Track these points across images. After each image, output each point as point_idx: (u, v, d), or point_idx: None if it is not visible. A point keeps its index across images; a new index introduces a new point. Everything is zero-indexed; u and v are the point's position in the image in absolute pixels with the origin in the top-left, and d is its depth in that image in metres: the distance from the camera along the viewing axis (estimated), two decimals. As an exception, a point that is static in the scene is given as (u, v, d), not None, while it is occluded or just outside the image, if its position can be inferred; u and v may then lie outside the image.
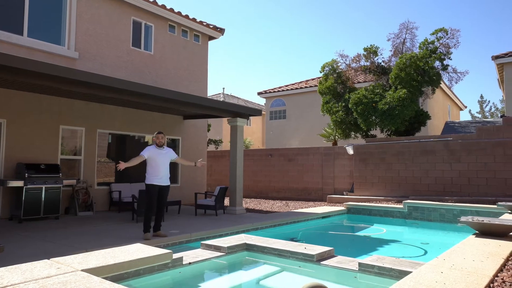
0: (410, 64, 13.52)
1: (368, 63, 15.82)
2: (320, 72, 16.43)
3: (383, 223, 9.98)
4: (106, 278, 3.68)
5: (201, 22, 13.47)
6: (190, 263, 4.76)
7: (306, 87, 21.38)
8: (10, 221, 8.47)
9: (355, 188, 13.68)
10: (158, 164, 6.72)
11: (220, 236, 7.15)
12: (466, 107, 28.00)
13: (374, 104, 13.87)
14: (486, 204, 10.24)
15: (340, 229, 9.51)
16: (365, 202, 12.24)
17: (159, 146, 6.86)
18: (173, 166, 11.96)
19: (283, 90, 22.30)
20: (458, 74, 14.47)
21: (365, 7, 62.55)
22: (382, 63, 15.81)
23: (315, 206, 12.27)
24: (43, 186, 8.66)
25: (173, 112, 12.11)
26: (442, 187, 11.94)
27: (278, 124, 22.57)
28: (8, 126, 9.00)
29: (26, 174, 8.48)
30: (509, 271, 3.90)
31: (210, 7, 69.32)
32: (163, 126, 12.40)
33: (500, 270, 3.95)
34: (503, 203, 9.03)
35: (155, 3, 11.89)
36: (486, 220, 5.86)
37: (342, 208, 11.43)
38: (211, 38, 14.29)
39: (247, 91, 75.54)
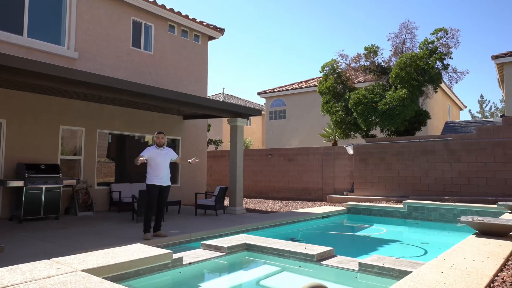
0: (410, 63, 13.52)
1: (368, 63, 15.82)
2: (320, 72, 16.43)
3: (383, 223, 9.98)
4: (106, 278, 3.68)
5: (201, 22, 13.47)
6: (190, 263, 4.76)
7: (306, 87, 21.38)
8: (10, 221, 8.47)
9: (355, 188, 13.68)
10: (159, 164, 6.72)
11: (220, 236, 7.15)
12: (466, 107, 28.00)
13: (374, 104, 13.87)
14: (486, 204, 10.24)
15: (340, 229, 9.51)
16: (365, 202, 12.24)
17: (160, 146, 6.86)
18: (173, 166, 11.96)
19: (283, 90, 22.30)
20: (458, 73, 14.48)
21: (365, 7, 62.58)
22: (382, 63, 15.81)
23: (315, 206, 12.27)
24: (43, 186, 8.65)
25: (173, 112, 12.11)
26: (442, 187, 11.94)
27: (278, 124, 22.57)
28: (8, 126, 9.00)
29: (26, 174, 8.48)
30: (509, 271, 3.90)
31: (210, 7, 69.35)
32: (163, 126, 12.40)
33: (500, 270, 3.95)
34: (503, 203, 9.03)
35: (155, 3, 11.89)
36: (486, 220, 5.86)
37: (342, 208, 11.43)
38: (211, 38, 14.29)
39: (247, 91, 75.59)
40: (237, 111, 10.27)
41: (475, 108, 65.47)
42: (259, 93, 23.42)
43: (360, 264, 4.53)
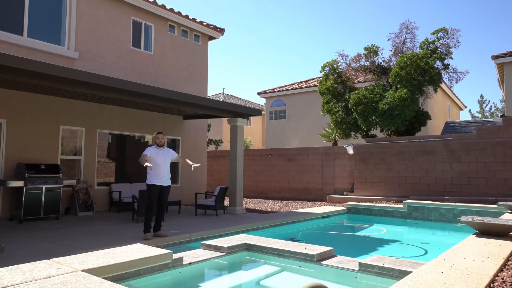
0: (410, 63, 13.52)
1: (368, 63, 15.82)
2: (320, 72, 16.43)
3: (383, 223, 9.98)
4: (106, 278, 3.68)
5: (201, 22, 13.47)
6: (190, 263, 4.76)
7: (306, 87, 21.38)
8: (10, 221, 8.47)
9: (355, 188, 13.68)
10: (159, 164, 6.72)
11: (220, 236, 7.15)
12: (466, 107, 28.00)
13: (374, 104, 13.87)
14: (486, 204, 10.24)
15: (340, 229, 9.50)
16: (365, 202, 12.24)
17: (159, 146, 6.86)
18: (173, 166, 11.97)
19: (283, 90, 22.30)
20: (458, 74, 14.47)
21: (365, 7, 62.58)
22: (383, 63, 15.81)
23: (315, 206, 12.27)
24: (43, 186, 8.65)
25: (173, 112, 12.11)
26: (442, 187, 11.94)
27: (278, 124, 22.57)
28: (8, 126, 9.00)
29: (26, 174, 8.48)
30: (509, 271, 3.90)
31: (210, 7, 69.35)
32: (163, 126, 12.40)
33: (501, 270, 3.95)
34: (503, 202, 9.03)
35: (155, 3, 11.89)
36: (486, 220, 5.86)
37: (342, 208, 11.43)
38: (211, 38, 14.29)
39: (247, 91, 75.58)
40: (237, 111, 10.27)
41: (475, 108, 65.44)
42: (259, 93, 23.42)
43: (360, 264, 4.53)
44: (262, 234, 7.50)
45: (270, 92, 22.84)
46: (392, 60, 15.56)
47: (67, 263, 3.78)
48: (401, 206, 10.86)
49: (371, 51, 15.53)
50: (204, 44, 14.04)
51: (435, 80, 13.69)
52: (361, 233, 8.78)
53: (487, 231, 5.74)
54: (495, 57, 15.70)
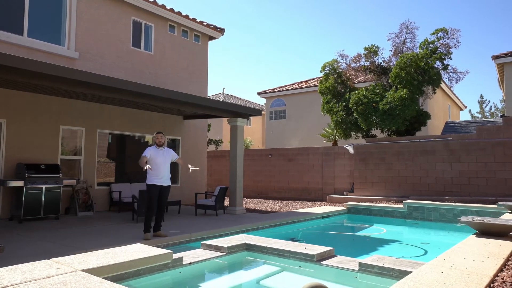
0: (410, 63, 13.52)
1: (368, 63, 15.82)
2: (320, 72, 16.43)
3: (383, 223, 9.98)
4: (106, 278, 3.68)
5: (201, 22, 13.47)
6: (190, 263, 4.76)
7: (306, 87, 21.38)
8: (10, 221, 8.47)
9: (355, 188, 13.68)
10: (159, 164, 6.71)
11: (220, 236, 7.15)
12: (466, 107, 28.00)
13: (374, 104, 13.87)
14: (486, 204, 10.24)
15: (340, 229, 9.50)
16: (365, 202, 12.24)
17: (159, 146, 6.86)
18: (173, 166, 11.95)
19: (283, 90, 22.30)
20: (458, 74, 14.47)
21: (365, 7, 62.58)
22: (383, 63, 15.81)
23: (315, 206, 12.27)
24: (43, 186, 8.65)
25: (173, 112, 12.11)
26: (442, 187, 11.93)
27: (278, 124, 22.56)
28: (8, 126, 9.00)
29: (26, 174, 8.48)
30: (509, 271, 3.90)
31: (210, 7, 69.35)
32: (163, 126, 12.40)
33: (501, 270, 3.95)
34: (503, 203, 9.03)
35: (155, 3, 11.89)
36: (486, 220, 5.86)
37: (342, 208, 11.43)
38: (211, 38, 14.29)
39: (247, 91, 75.59)
40: (237, 111, 10.27)
41: (475, 108, 65.47)
42: (259, 93, 23.42)
43: (360, 264, 4.53)
44: (262, 234, 7.50)
45: (270, 92, 22.84)
46: (392, 60, 15.56)
47: (67, 263, 3.78)
48: (401, 206, 10.86)
49: (371, 51, 15.53)
50: (204, 44, 14.04)
51: (434, 80, 13.69)
52: (361, 233, 8.78)
53: (487, 231, 5.74)
54: (495, 57, 15.70)
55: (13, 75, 6.60)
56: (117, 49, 11.20)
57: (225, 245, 5.28)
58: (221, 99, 25.87)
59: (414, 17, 63.57)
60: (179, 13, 12.64)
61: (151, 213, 6.62)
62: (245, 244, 5.57)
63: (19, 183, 8.32)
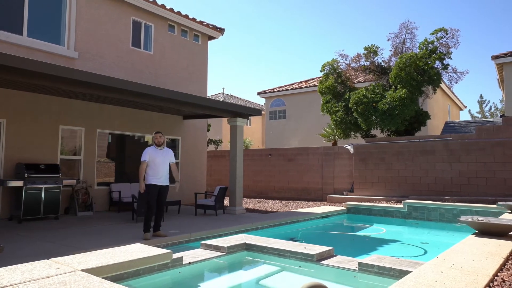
0: (410, 63, 13.52)
1: (368, 63, 15.82)
2: (320, 72, 16.44)
3: (383, 223, 9.98)
4: (106, 278, 3.68)
5: (200, 22, 13.47)
6: (190, 263, 4.76)
7: (306, 87, 21.38)
8: (10, 221, 8.47)
9: (355, 188, 13.68)
10: (158, 164, 6.72)
11: (220, 236, 7.15)
12: (466, 107, 28.01)
13: (374, 104, 13.87)
14: (486, 203, 10.24)
15: (340, 229, 9.51)
16: (365, 202, 12.24)
17: (158, 145, 6.86)
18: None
19: (283, 90, 22.29)
20: (458, 74, 14.48)
21: (365, 7, 62.58)
22: (382, 63, 15.82)
23: (315, 206, 12.27)
24: (43, 186, 8.65)
25: (173, 112, 12.11)
26: (442, 187, 11.94)
27: (278, 124, 22.56)
28: (8, 126, 9.00)
29: (26, 174, 8.48)
30: (508, 271, 3.90)
31: (210, 7, 69.34)
32: (163, 126, 12.40)
33: (500, 269, 3.95)
34: (503, 202, 9.03)
35: (155, 3, 11.88)
36: (485, 219, 5.86)
37: (342, 208, 11.43)
38: (211, 38, 14.29)
39: (247, 91, 75.58)
40: (237, 111, 10.27)
41: (475, 108, 65.42)
42: (259, 93, 23.41)
43: (359, 264, 4.53)
44: (262, 234, 7.50)
45: (270, 92, 22.84)
46: (392, 60, 15.56)
47: (66, 263, 3.78)
48: (401, 206, 10.86)
49: (371, 51, 15.54)
50: (204, 44, 14.04)
51: (434, 80, 13.70)
52: (360, 233, 8.78)
53: (486, 231, 5.74)
54: (495, 57, 15.71)
55: (13, 75, 6.60)
56: (117, 49, 11.20)
57: (225, 245, 5.28)
58: (221, 99, 25.87)
59: (414, 17, 63.61)
60: (179, 13, 12.64)
61: (151, 213, 6.63)
62: (245, 244, 5.57)
63: (19, 183, 8.32)
